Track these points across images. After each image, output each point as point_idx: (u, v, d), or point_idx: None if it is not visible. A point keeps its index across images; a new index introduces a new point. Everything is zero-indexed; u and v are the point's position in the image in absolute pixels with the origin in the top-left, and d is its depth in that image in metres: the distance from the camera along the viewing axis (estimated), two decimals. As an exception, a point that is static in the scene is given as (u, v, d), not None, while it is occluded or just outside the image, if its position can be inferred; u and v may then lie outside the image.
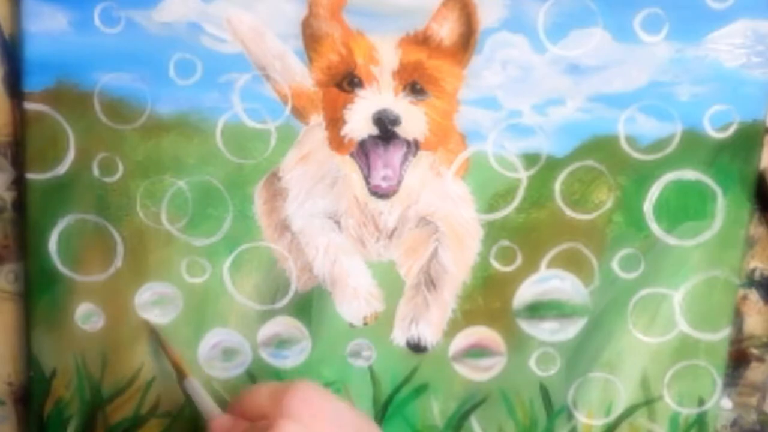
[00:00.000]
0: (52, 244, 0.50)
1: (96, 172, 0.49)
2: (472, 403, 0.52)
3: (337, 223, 0.51)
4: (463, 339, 0.52)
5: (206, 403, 0.47)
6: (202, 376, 0.51)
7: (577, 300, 0.51)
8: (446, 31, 0.48)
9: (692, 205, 0.50)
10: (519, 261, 0.51)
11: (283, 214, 0.50)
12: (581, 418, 0.52)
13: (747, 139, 0.49)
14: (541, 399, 0.52)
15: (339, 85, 0.49)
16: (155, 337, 0.50)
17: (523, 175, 0.49)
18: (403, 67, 0.48)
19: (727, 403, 0.53)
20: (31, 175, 0.49)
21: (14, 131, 0.49)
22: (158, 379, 0.51)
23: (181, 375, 0.49)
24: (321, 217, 0.50)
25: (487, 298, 0.51)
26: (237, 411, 0.44)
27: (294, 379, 0.50)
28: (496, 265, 0.51)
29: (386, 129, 0.48)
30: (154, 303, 0.51)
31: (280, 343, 0.51)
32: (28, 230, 0.50)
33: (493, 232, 0.50)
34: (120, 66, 0.48)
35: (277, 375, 0.51)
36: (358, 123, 0.49)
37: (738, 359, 0.53)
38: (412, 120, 0.49)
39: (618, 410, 0.52)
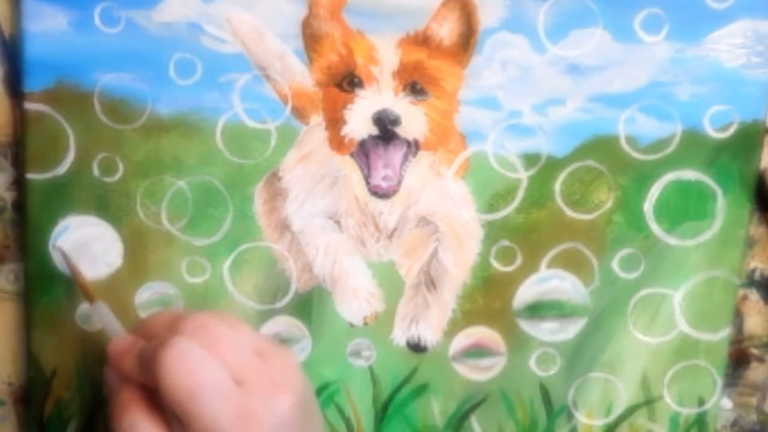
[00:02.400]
0: (52, 244, 0.50)
1: (96, 172, 0.49)
2: (472, 403, 0.52)
3: (337, 223, 0.51)
4: (463, 339, 0.52)
5: (114, 327, 0.45)
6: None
7: (577, 300, 0.51)
8: (446, 31, 0.48)
9: (692, 205, 0.50)
10: (519, 261, 0.51)
11: (283, 214, 0.50)
12: (581, 418, 0.52)
13: (747, 139, 0.49)
14: (541, 399, 0.52)
15: (339, 85, 0.49)
16: (66, 262, 0.49)
17: (523, 175, 0.49)
18: (403, 67, 0.48)
19: (727, 403, 0.53)
20: (31, 175, 0.49)
21: (14, 131, 0.49)
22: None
23: (89, 298, 0.47)
24: (321, 217, 0.51)
25: (487, 298, 0.51)
26: (138, 333, 0.42)
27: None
28: (496, 265, 0.51)
29: (386, 129, 0.48)
30: (154, 303, 0.51)
31: (281, 342, 0.51)
32: (28, 230, 0.50)
33: (493, 232, 0.50)
34: (120, 66, 0.48)
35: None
36: (358, 123, 0.49)
37: (738, 359, 0.53)
38: (412, 120, 0.49)
39: (618, 410, 0.52)
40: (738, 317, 0.52)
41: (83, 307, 0.51)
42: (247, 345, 0.40)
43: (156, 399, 0.39)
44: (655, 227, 0.50)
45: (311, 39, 0.48)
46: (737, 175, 0.49)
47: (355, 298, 0.51)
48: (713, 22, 0.47)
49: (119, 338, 0.43)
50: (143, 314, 0.51)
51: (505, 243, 0.50)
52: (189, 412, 0.37)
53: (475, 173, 0.50)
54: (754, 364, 0.53)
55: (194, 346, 0.38)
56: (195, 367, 0.38)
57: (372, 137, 0.49)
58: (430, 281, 0.51)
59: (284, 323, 0.51)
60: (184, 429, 0.38)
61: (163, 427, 0.39)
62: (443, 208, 0.50)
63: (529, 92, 0.48)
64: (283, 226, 0.51)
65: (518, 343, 0.52)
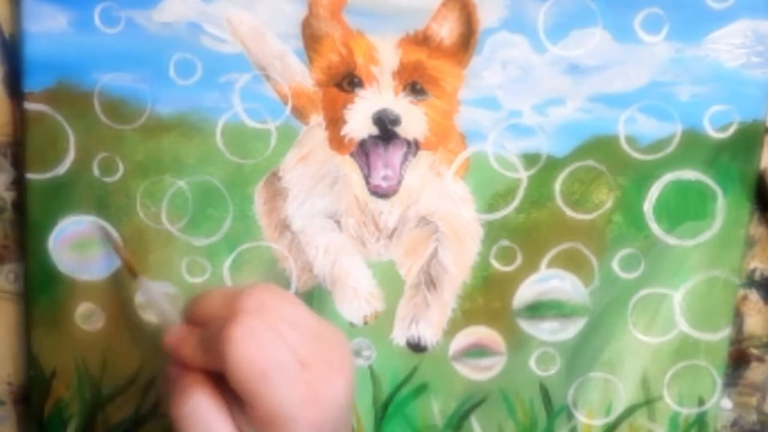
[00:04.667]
0: (52, 244, 0.50)
1: (96, 172, 0.49)
2: (472, 403, 0.52)
3: (337, 222, 0.51)
4: (463, 339, 0.52)
5: (161, 304, 0.44)
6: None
7: (577, 300, 0.51)
8: (446, 31, 0.48)
9: (692, 205, 0.50)
10: (519, 261, 0.51)
11: (283, 214, 0.50)
12: (581, 418, 0.52)
13: (747, 139, 0.49)
14: (541, 399, 0.52)
15: (339, 85, 0.49)
16: (107, 238, 0.49)
17: (523, 175, 0.49)
18: (403, 67, 0.48)
19: (727, 403, 0.53)
20: (31, 175, 0.49)
21: (14, 131, 0.49)
22: (158, 379, 0.51)
23: (133, 274, 0.47)
24: (321, 217, 0.51)
25: (487, 298, 0.51)
26: (191, 318, 0.41)
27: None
28: (496, 265, 0.51)
29: (386, 129, 0.48)
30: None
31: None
32: (28, 230, 0.50)
33: (493, 232, 0.50)
34: (120, 66, 0.48)
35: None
36: (358, 123, 0.49)
37: (738, 359, 0.53)
38: (412, 120, 0.49)
39: (618, 410, 0.52)
40: (738, 317, 0.52)
41: (83, 307, 0.51)
42: (307, 325, 0.40)
43: (216, 384, 0.38)
44: (655, 227, 0.50)
45: (311, 39, 0.48)
46: (737, 175, 0.49)
47: (355, 298, 0.51)
48: (713, 22, 0.47)
49: (174, 331, 0.41)
50: (143, 314, 0.51)
51: (505, 243, 0.50)
52: (256, 393, 0.37)
53: (475, 173, 0.50)
54: (754, 364, 0.53)
55: (262, 325, 0.37)
56: (264, 346, 0.37)
57: (372, 137, 0.49)
58: (430, 281, 0.51)
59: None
60: (246, 413, 0.37)
61: (224, 412, 0.38)
62: (443, 208, 0.50)
63: (529, 92, 0.48)
64: (283, 226, 0.51)
65: (518, 343, 0.52)
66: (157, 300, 0.44)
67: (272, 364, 0.37)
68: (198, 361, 0.39)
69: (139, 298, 0.50)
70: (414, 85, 0.48)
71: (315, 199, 0.50)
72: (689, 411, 0.52)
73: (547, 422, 0.52)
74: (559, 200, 0.50)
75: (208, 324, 0.39)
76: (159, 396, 0.52)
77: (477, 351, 0.52)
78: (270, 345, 0.37)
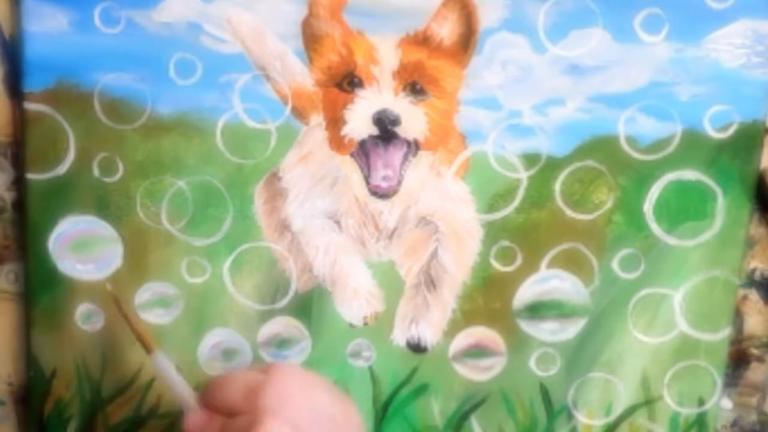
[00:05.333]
0: (52, 244, 0.50)
1: (96, 172, 0.49)
2: (472, 403, 0.52)
3: (337, 223, 0.51)
4: (463, 339, 0.52)
5: (173, 379, 0.44)
6: (202, 377, 0.51)
7: (577, 300, 0.51)
8: (446, 31, 0.48)
9: (692, 205, 0.50)
10: (519, 261, 0.51)
11: (283, 214, 0.50)
12: (581, 418, 0.52)
13: (747, 139, 0.49)
14: (541, 399, 0.52)
15: (339, 85, 0.49)
16: (118, 308, 0.46)
17: (523, 175, 0.49)
18: (403, 67, 0.48)
19: (727, 403, 0.53)
20: (31, 175, 0.49)
21: (14, 131, 0.49)
22: (158, 379, 0.51)
23: (147, 349, 0.45)
24: (321, 217, 0.50)
25: (487, 298, 0.51)
26: (209, 403, 0.42)
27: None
28: (496, 265, 0.51)
29: (386, 129, 0.48)
30: (154, 303, 0.51)
31: (281, 343, 0.51)
32: (28, 230, 0.50)
33: (493, 232, 0.50)
34: (120, 66, 0.48)
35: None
36: (358, 123, 0.49)
37: (738, 359, 0.53)
38: (412, 120, 0.49)
39: (618, 410, 0.52)
40: (738, 317, 0.52)
41: (83, 307, 0.51)
42: (327, 413, 0.41)
43: None
44: (655, 227, 0.50)
45: (311, 39, 0.48)
46: (737, 175, 0.49)
47: (355, 298, 0.51)
48: (713, 22, 0.47)
49: (195, 416, 0.42)
50: (143, 314, 0.51)
51: (505, 243, 0.50)
52: None
53: (475, 173, 0.50)
54: (754, 364, 0.53)
55: (287, 428, 0.39)
56: None
57: (372, 137, 0.49)
58: (430, 281, 0.51)
59: (284, 323, 0.51)
60: None
61: None
62: (443, 208, 0.50)
63: (529, 92, 0.48)
64: (283, 226, 0.50)
65: (518, 343, 0.51)
66: (170, 376, 0.44)
67: None
68: None
69: (138, 299, 0.50)
70: (414, 85, 0.48)
71: (315, 200, 0.50)
72: (689, 411, 0.52)
73: (547, 422, 0.52)
74: (559, 200, 0.50)
75: (229, 413, 0.40)
76: (159, 396, 0.52)
77: (477, 351, 0.52)
78: None
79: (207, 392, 0.42)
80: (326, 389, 0.42)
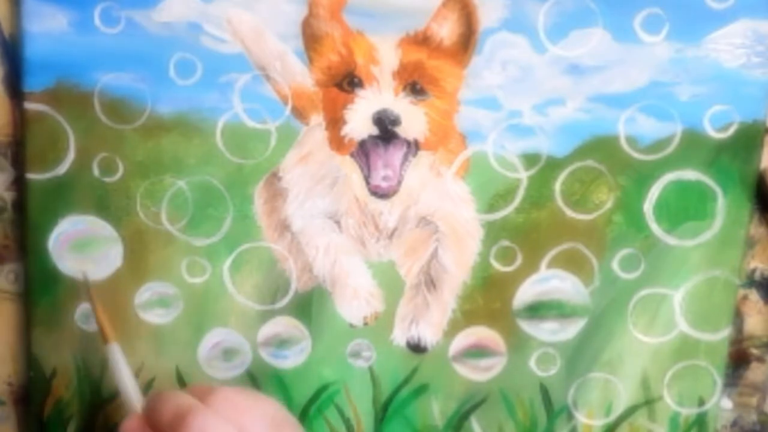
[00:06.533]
0: (52, 244, 0.50)
1: (96, 172, 0.49)
2: (472, 403, 0.52)
3: (337, 223, 0.51)
4: (463, 339, 0.52)
5: (123, 373, 0.45)
6: (202, 376, 0.51)
7: (577, 300, 0.51)
8: (446, 31, 0.48)
9: (692, 205, 0.50)
10: (519, 261, 0.51)
11: (283, 214, 0.50)
12: (581, 418, 0.52)
13: (747, 139, 0.49)
14: (541, 399, 0.52)
15: (339, 85, 0.49)
16: (87, 295, 0.48)
17: (523, 175, 0.49)
18: (403, 67, 0.48)
19: (727, 404, 0.53)
20: (31, 175, 0.49)
21: (14, 131, 0.49)
22: (158, 379, 0.51)
23: (104, 339, 0.47)
24: (321, 217, 0.50)
25: (487, 298, 0.51)
26: (146, 415, 0.43)
27: (291, 378, 0.51)
28: (496, 265, 0.51)
29: (386, 129, 0.48)
30: (154, 303, 0.51)
31: (280, 343, 0.51)
32: (28, 230, 0.50)
33: (493, 232, 0.50)
34: (120, 66, 0.48)
35: (277, 375, 0.51)
36: (358, 123, 0.49)
37: (738, 359, 0.53)
38: (412, 120, 0.49)
39: (618, 410, 0.52)
40: (738, 317, 0.52)
41: (83, 307, 0.51)
42: (267, 418, 0.42)
43: None
44: (655, 227, 0.50)
45: (311, 39, 0.48)
46: (737, 175, 0.49)
47: (355, 299, 0.51)
48: (713, 22, 0.47)
49: (132, 421, 0.43)
50: (143, 315, 0.51)
51: (505, 243, 0.50)
52: None
53: (475, 173, 0.50)
54: (754, 364, 0.53)
55: (219, 419, 0.40)
56: None
57: (372, 137, 0.49)
58: (430, 281, 0.51)
59: (284, 323, 0.51)
60: None
61: None
62: (443, 208, 0.50)
63: (529, 92, 0.48)
64: (283, 226, 0.50)
65: (518, 343, 0.51)
66: (121, 372, 0.45)
67: None
68: None
69: (138, 299, 0.50)
70: (414, 85, 0.48)
71: (315, 200, 0.50)
72: (689, 411, 0.52)
73: (547, 422, 0.52)
74: (559, 200, 0.50)
75: (161, 428, 0.41)
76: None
77: (477, 351, 0.52)
78: None
79: (147, 403, 0.44)
80: (271, 401, 0.44)
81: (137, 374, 0.51)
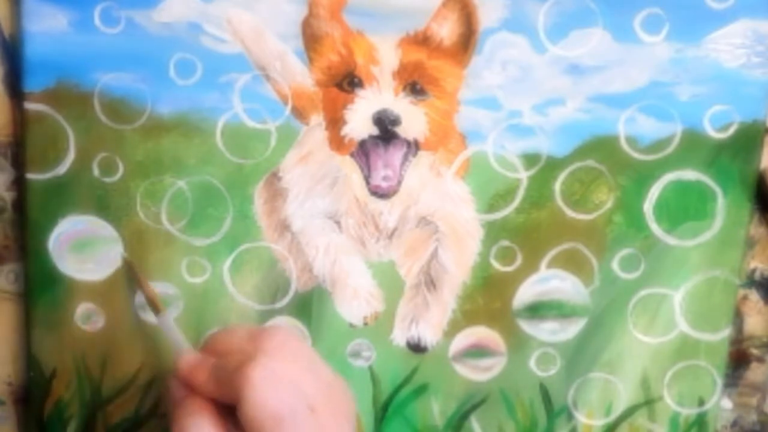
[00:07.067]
0: (52, 244, 0.50)
1: (96, 172, 0.49)
2: (472, 403, 0.52)
3: (337, 223, 0.51)
4: (463, 339, 0.52)
5: (179, 340, 0.46)
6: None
7: (577, 300, 0.51)
8: (446, 31, 0.48)
9: (692, 206, 0.50)
10: (519, 261, 0.51)
11: (283, 214, 0.50)
12: (581, 418, 0.52)
13: (747, 139, 0.49)
14: (541, 399, 0.52)
15: (339, 85, 0.49)
16: (131, 273, 0.50)
17: (523, 175, 0.49)
18: (403, 67, 0.48)
19: (727, 404, 0.53)
20: (31, 175, 0.49)
21: (14, 131, 0.49)
22: (158, 379, 0.51)
23: (156, 310, 0.48)
24: (321, 217, 0.50)
25: (487, 298, 0.51)
26: (209, 349, 0.43)
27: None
28: (496, 265, 0.51)
29: (386, 129, 0.48)
30: (154, 303, 0.51)
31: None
32: (28, 230, 0.50)
33: (493, 232, 0.50)
34: (120, 66, 0.48)
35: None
36: (358, 123, 0.49)
37: (738, 359, 0.53)
38: (412, 120, 0.49)
39: (618, 410, 0.52)
40: (738, 317, 0.52)
41: (83, 307, 0.51)
42: (321, 372, 0.42)
43: (221, 414, 0.40)
44: (655, 227, 0.50)
45: (311, 39, 0.48)
46: (737, 175, 0.49)
47: (355, 298, 0.51)
48: (713, 22, 0.47)
49: (187, 356, 0.43)
50: (143, 315, 0.51)
51: (505, 243, 0.50)
52: None
53: (475, 173, 0.50)
54: (754, 364, 0.53)
55: (281, 369, 0.39)
56: (280, 391, 0.39)
57: (372, 137, 0.49)
58: (430, 281, 0.51)
59: (284, 323, 0.51)
60: None
61: None
62: (443, 208, 0.50)
63: (529, 92, 0.48)
64: (283, 226, 0.50)
65: (518, 343, 0.51)
66: (175, 335, 0.47)
67: (286, 410, 0.39)
68: (209, 390, 0.41)
69: (138, 298, 0.50)
70: (414, 85, 0.48)
71: (315, 200, 0.50)
72: (689, 411, 0.52)
73: (547, 423, 0.52)
74: (559, 200, 0.50)
75: (226, 356, 0.41)
76: (159, 396, 0.52)
77: (477, 351, 0.52)
78: (286, 391, 0.39)
79: (209, 339, 0.44)
80: (322, 359, 0.43)
81: (137, 374, 0.51)
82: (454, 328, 0.51)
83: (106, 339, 0.51)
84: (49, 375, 0.51)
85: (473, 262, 0.51)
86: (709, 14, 0.47)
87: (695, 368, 0.52)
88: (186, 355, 0.43)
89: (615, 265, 0.50)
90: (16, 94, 0.48)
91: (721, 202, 0.49)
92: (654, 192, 0.50)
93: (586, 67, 0.48)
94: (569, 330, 0.51)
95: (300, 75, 0.48)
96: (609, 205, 0.50)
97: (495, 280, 0.51)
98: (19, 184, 0.50)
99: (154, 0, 0.47)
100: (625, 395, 0.52)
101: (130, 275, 0.50)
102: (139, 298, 0.51)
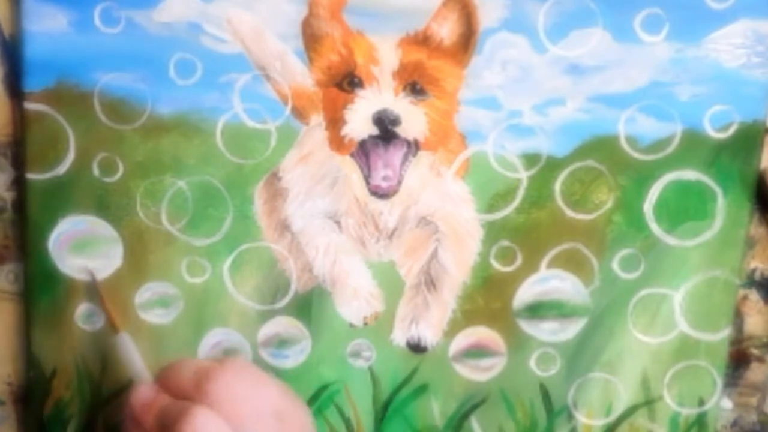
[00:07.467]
0: (52, 244, 0.50)
1: (96, 172, 0.49)
2: (472, 403, 0.52)
3: (337, 223, 0.51)
4: (463, 339, 0.52)
5: (135, 362, 0.46)
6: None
7: (577, 300, 0.51)
8: (446, 31, 0.48)
9: (692, 206, 0.50)
10: (519, 261, 0.51)
11: (283, 214, 0.50)
12: (581, 418, 0.52)
13: (747, 139, 0.49)
14: (541, 399, 0.52)
15: (339, 85, 0.49)
16: (94, 289, 0.50)
17: (523, 175, 0.49)
18: (403, 67, 0.48)
19: (727, 404, 0.53)
20: (31, 175, 0.49)
21: (14, 131, 0.49)
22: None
23: (113, 329, 0.48)
24: (321, 218, 0.50)
25: (487, 298, 0.51)
26: (162, 383, 0.43)
27: (291, 378, 0.51)
28: (496, 265, 0.51)
29: (386, 129, 0.48)
30: (154, 303, 0.51)
31: (280, 343, 0.51)
32: (28, 230, 0.50)
33: (493, 232, 0.50)
34: (120, 66, 0.48)
35: (277, 375, 0.51)
36: (358, 123, 0.49)
37: (738, 359, 0.53)
38: (412, 120, 0.49)
39: (618, 410, 0.52)
40: (738, 317, 0.52)
41: (83, 307, 0.51)
42: (267, 408, 0.42)
43: None
44: (655, 227, 0.50)
45: (311, 39, 0.48)
46: (737, 175, 0.49)
47: (355, 299, 0.51)
48: (713, 22, 0.47)
49: (144, 388, 0.43)
50: (143, 314, 0.51)
51: (505, 243, 0.50)
52: None
53: (475, 173, 0.50)
54: (754, 364, 0.53)
55: (214, 420, 0.39)
56: None
57: (372, 137, 0.49)
58: (430, 281, 0.51)
59: (284, 323, 0.51)
60: None
61: None
62: (443, 208, 0.50)
63: (529, 92, 0.48)
64: (283, 226, 0.50)
65: (518, 343, 0.51)
66: (132, 357, 0.47)
67: None
68: (154, 429, 0.41)
69: (139, 299, 0.50)
70: (414, 85, 0.48)
71: (315, 200, 0.50)
72: (689, 411, 0.52)
73: (547, 423, 0.52)
74: (559, 200, 0.50)
75: (176, 395, 0.41)
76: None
77: (477, 351, 0.52)
78: None
79: (161, 373, 0.44)
80: (276, 386, 0.43)
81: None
82: (454, 328, 0.51)
83: (106, 339, 0.51)
84: (49, 375, 0.51)
85: (473, 262, 0.51)
86: (709, 14, 0.47)
87: (695, 368, 0.51)
88: (140, 389, 0.43)
89: (615, 265, 0.50)
90: (16, 94, 0.48)
91: (721, 202, 0.49)
92: (654, 192, 0.50)
93: (586, 67, 0.48)
94: (569, 330, 0.51)
95: (300, 75, 0.48)
96: (609, 205, 0.50)
97: (495, 280, 0.51)
98: (19, 184, 0.50)
99: (154, 0, 0.47)
100: (625, 395, 0.52)
101: (93, 291, 0.50)
102: (140, 298, 0.51)
